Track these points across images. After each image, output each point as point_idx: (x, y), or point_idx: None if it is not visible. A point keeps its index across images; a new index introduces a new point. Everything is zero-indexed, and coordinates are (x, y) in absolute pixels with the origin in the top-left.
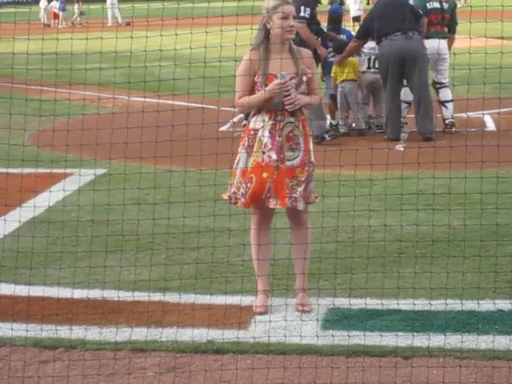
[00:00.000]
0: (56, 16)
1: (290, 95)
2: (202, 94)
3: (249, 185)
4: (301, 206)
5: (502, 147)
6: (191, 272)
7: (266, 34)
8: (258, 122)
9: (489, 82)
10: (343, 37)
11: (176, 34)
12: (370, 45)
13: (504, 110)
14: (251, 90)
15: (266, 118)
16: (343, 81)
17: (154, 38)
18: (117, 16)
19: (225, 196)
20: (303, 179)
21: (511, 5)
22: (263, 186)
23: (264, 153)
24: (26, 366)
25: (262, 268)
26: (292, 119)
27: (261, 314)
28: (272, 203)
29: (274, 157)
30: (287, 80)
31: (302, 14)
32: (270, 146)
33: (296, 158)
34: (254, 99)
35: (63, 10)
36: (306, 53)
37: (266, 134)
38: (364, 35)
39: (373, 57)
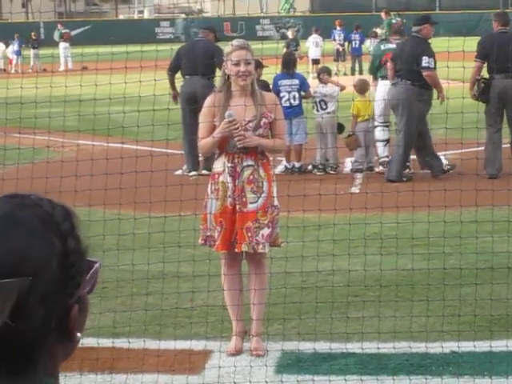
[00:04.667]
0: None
1: (238, 133)
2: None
3: (219, 229)
4: (263, 249)
5: (448, 191)
6: (141, 317)
7: (228, 79)
8: (220, 166)
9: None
10: (296, 81)
11: (138, 81)
12: (321, 90)
13: (450, 152)
14: (211, 133)
15: (226, 161)
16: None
17: (105, 85)
18: (67, 61)
19: (200, 240)
20: (266, 222)
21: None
22: (233, 230)
23: (230, 197)
24: None
25: (236, 312)
26: (251, 162)
27: (233, 355)
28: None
29: (231, 202)
30: (234, 118)
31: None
32: (233, 190)
33: (257, 200)
34: (206, 144)
35: (18, 54)
36: (270, 97)
37: (228, 178)
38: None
39: (318, 99)
